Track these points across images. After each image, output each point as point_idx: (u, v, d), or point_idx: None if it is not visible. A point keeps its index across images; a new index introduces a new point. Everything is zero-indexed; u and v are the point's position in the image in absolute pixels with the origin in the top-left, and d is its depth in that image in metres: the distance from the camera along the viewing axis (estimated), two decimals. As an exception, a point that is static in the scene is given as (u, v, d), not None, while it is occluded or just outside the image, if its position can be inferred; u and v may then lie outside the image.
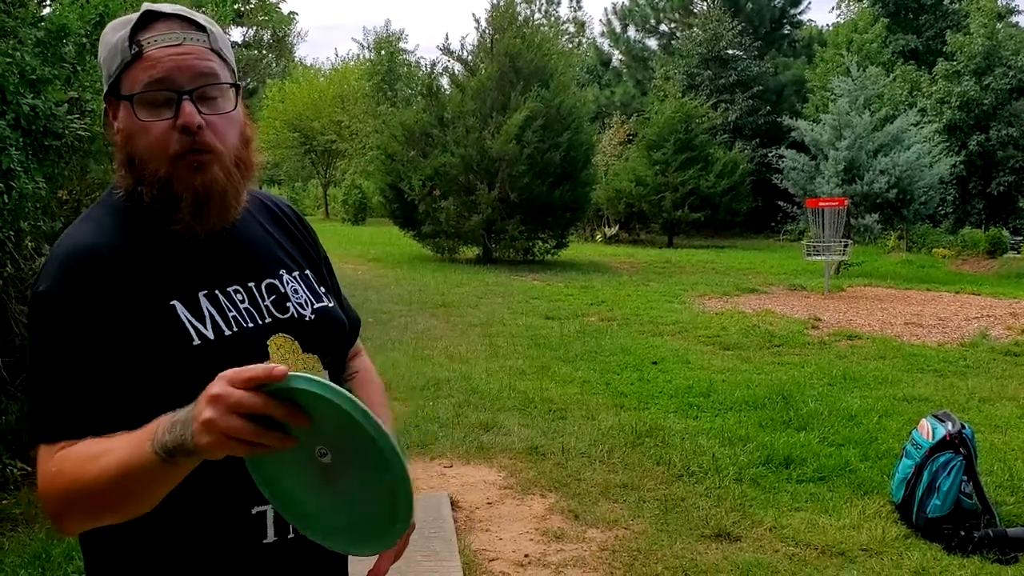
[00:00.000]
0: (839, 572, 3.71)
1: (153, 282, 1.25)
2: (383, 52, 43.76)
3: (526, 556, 3.86)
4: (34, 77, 4.15)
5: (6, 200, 3.94)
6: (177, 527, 1.23)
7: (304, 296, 1.42)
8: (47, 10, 5.00)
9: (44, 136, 4.22)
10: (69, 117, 4.36)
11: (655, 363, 7.89)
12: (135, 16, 1.26)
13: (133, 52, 1.24)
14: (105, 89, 1.29)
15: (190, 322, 1.25)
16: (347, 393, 0.99)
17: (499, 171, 17.84)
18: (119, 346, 1.19)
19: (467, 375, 7.25)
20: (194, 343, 1.24)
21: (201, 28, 1.28)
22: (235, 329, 1.29)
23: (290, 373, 0.98)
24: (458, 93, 19.28)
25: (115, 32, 1.28)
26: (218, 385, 0.99)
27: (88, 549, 1.31)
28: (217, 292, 1.30)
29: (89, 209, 1.33)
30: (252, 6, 19.33)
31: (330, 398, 0.98)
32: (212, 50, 1.28)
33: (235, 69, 1.34)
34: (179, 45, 1.25)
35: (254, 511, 1.27)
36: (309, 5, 65.13)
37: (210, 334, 1.26)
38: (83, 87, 4.63)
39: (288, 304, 1.38)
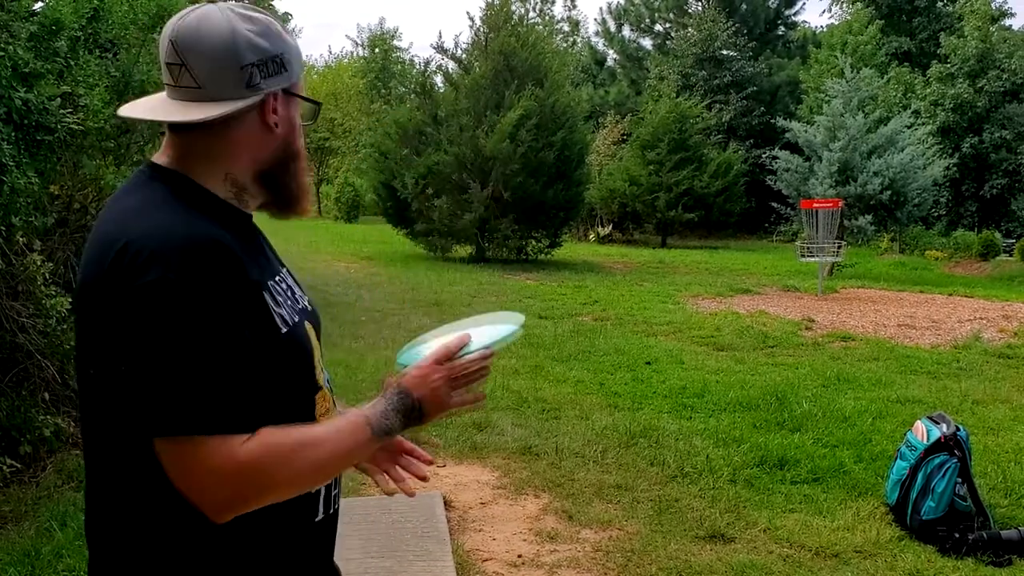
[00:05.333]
0: (833, 574, 3.70)
1: (253, 271, 1.28)
2: (377, 50, 43.74)
3: (519, 556, 3.84)
4: (26, 71, 4.12)
5: (-3, 195, 3.91)
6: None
7: (300, 287, 1.49)
8: (39, 4, 4.96)
9: (36, 131, 4.19)
10: (62, 111, 4.32)
11: (649, 363, 7.88)
12: None
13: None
14: (282, 83, 1.35)
15: (275, 311, 1.30)
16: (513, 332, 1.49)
17: (492, 170, 17.82)
18: (243, 333, 1.21)
19: (460, 374, 7.22)
20: (282, 331, 1.30)
21: None
22: (296, 319, 1.35)
23: (471, 337, 1.42)
24: (452, 91, 19.26)
25: (289, 34, 1.39)
26: (434, 371, 1.36)
27: (141, 538, 1.27)
28: (274, 282, 1.36)
29: (149, 198, 1.29)
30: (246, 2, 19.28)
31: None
32: None
33: None
34: None
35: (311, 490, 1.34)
36: (304, 3, 64.92)
37: (290, 321, 1.33)
38: (76, 81, 4.60)
39: (299, 295, 1.44)
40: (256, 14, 1.33)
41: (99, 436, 1.28)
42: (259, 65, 1.30)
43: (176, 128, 1.32)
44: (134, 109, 1.37)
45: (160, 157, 1.35)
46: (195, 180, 1.31)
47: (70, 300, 4.75)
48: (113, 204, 1.35)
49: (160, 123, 1.37)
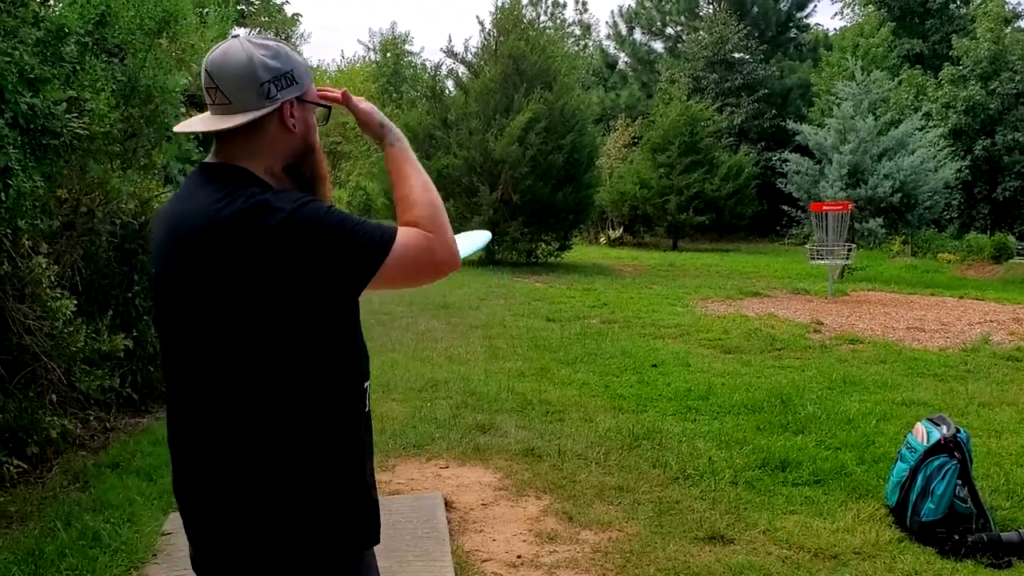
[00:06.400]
0: (831, 575, 3.71)
1: None
2: (389, 54, 43.84)
3: (519, 557, 3.86)
4: (33, 76, 4.17)
5: (3, 198, 3.95)
6: (331, 401, 1.69)
7: None
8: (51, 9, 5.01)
9: (42, 135, 4.24)
10: (68, 116, 4.37)
11: (655, 366, 7.89)
12: None
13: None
14: (294, 93, 1.71)
15: None
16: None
17: (502, 173, 17.85)
18: None
19: (466, 376, 7.25)
20: None
21: None
22: None
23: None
24: (462, 95, 19.32)
25: (296, 53, 1.75)
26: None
27: (257, 443, 1.63)
28: None
29: (230, 184, 1.63)
30: (255, 7, 19.37)
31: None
32: None
33: None
34: None
35: (365, 385, 1.78)
36: (314, 7, 65.07)
37: None
38: (83, 86, 4.65)
39: None
40: (268, 41, 1.71)
41: (236, 387, 1.61)
42: (274, 81, 1.67)
43: (221, 135, 1.69)
44: (187, 126, 1.76)
45: (212, 159, 1.72)
46: (251, 171, 1.68)
47: (75, 302, 4.80)
48: (188, 198, 1.67)
49: (171, 130, 1.78)
